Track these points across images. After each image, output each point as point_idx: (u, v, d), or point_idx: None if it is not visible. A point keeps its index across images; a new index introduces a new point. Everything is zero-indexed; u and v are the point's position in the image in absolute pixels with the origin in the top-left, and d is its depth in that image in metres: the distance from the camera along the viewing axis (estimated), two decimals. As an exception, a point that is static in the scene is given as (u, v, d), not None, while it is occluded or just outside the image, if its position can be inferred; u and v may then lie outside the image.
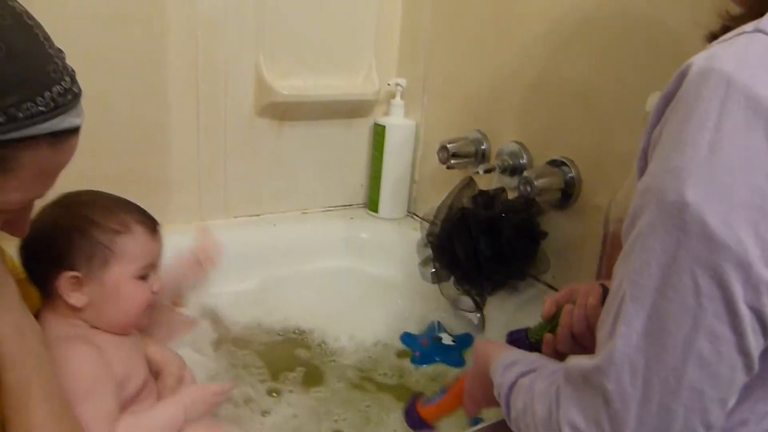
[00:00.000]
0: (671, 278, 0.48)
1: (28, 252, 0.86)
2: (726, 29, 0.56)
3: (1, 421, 0.68)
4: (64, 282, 0.84)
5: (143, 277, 0.89)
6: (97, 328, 0.87)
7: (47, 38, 0.62)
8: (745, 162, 0.46)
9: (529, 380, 0.65)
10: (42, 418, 0.68)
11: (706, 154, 0.47)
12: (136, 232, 0.88)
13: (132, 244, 0.88)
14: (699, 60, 0.50)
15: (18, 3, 0.60)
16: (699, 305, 0.47)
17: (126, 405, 0.85)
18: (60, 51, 0.63)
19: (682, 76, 0.51)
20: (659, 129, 0.52)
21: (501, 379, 0.70)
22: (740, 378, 0.48)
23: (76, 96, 0.63)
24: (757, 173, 0.46)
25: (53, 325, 0.84)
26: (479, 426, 0.83)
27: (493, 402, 0.79)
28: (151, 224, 0.91)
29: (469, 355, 1.22)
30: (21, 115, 0.57)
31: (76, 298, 0.85)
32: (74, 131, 0.64)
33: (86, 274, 0.85)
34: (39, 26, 0.61)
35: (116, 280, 0.86)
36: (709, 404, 0.48)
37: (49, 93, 0.59)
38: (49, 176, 0.65)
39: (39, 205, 0.77)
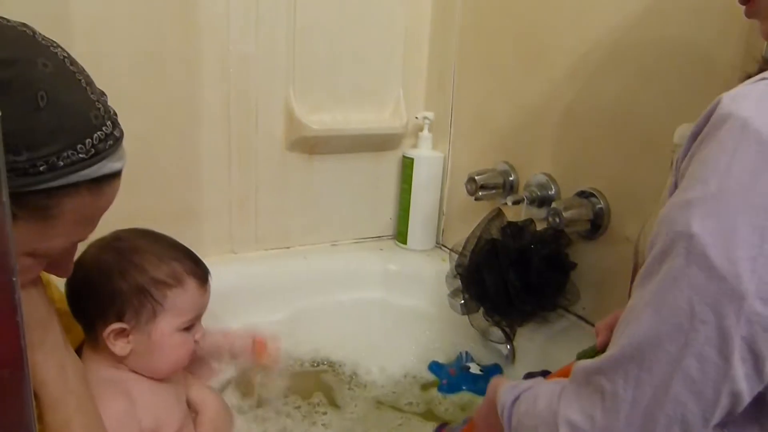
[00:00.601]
0: (668, 300, 0.52)
1: (74, 295, 0.85)
2: (761, 71, 0.58)
3: None
4: (110, 332, 0.83)
5: (188, 328, 0.89)
6: (137, 372, 0.87)
7: (90, 83, 0.62)
8: (750, 203, 0.49)
9: (533, 391, 0.69)
10: None
11: (714, 192, 0.51)
12: (187, 286, 0.87)
13: (182, 298, 0.87)
14: (725, 101, 0.53)
15: (61, 49, 0.61)
16: (692, 328, 0.51)
17: None
18: (102, 94, 0.64)
19: (709, 114, 0.54)
20: (686, 163, 0.56)
21: (505, 397, 0.73)
22: (725, 402, 0.51)
23: (117, 140, 0.63)
24: (759, 214, 0.49)
25: (93, 366, 0.84)
26: None
27: None
28: (202, 275, 0.90)
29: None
30: (62, 163, 0.56)
31: (120, 347, 0.84)
32: (115, 175, 0.64)
33: (133, 326, 0.84)
34: (81, 71, 0.61)
35: (162, 333, 0.85)
36: (690, 417, 0.52)
37: (90, 140, 0.58)
38: (91, 220, 0.65)
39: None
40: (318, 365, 1.30)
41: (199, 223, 1.37)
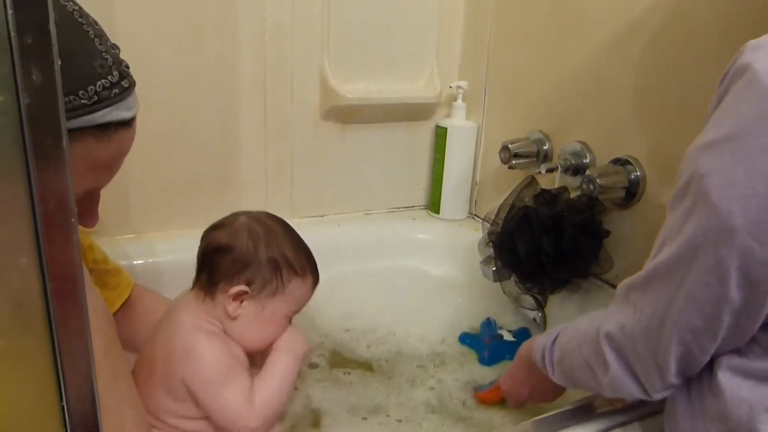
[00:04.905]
0: (683, 233, 0.61)
1: (216, 248, 0.92)
2: None
3: None
4: (234, 291, 0.90)
5: (288, 317, 0.96)
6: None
7: (99, 35, 0.64)
8: (752, 149, 0.56)
9: (570, 325, 0.81)
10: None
11: (724, 137, 0.58)
12: (306, 280, 0.95)
13: (300, 289, 0.95)
14: (746, 52, 0.59)
15: (71, 2, 0.63)
16: (695, 257, 0.60)
17: None
18: (114, 47, 0.66)
19: (733, 63, 0.60)
20: (713, 107, 0.62)
21: (543, 342, 0.85)
22: (728, 319, 0.60)
23: (125, 90, 0.65)
24: (757, 160, 0.55)
25: (194, 314, 0.91)
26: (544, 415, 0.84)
27: (536, 394, 0.94)
28: (318, 278, 0.99)
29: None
30: None
31: (233, 308, 0.90)
32: (122, 124, 0.65)
33: (254, 295, 0.91)
34: (91, 24, 0.63)
35: (272, 312, 0.93)
36: (697, 327, 0.62)
37: (92, 87, 0.60)
38: (104, 168, 0.67)
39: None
40: (351, 332, 1.32)
41: (236, 192, 1.40)
